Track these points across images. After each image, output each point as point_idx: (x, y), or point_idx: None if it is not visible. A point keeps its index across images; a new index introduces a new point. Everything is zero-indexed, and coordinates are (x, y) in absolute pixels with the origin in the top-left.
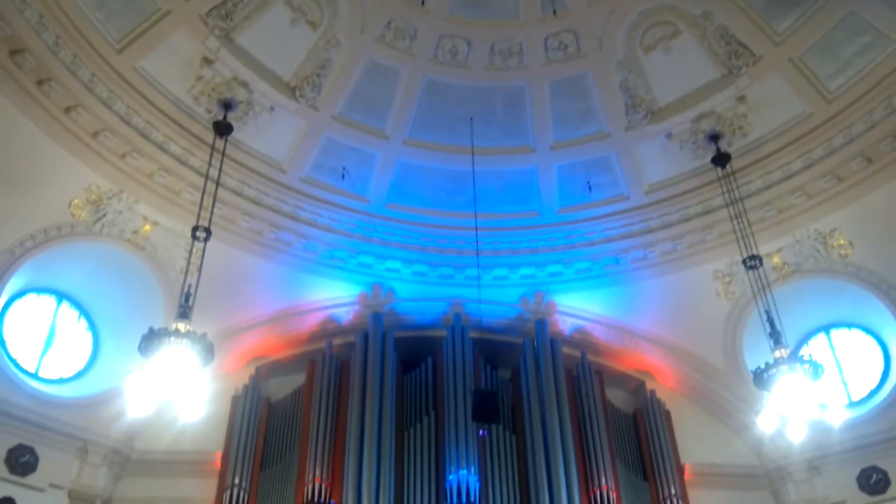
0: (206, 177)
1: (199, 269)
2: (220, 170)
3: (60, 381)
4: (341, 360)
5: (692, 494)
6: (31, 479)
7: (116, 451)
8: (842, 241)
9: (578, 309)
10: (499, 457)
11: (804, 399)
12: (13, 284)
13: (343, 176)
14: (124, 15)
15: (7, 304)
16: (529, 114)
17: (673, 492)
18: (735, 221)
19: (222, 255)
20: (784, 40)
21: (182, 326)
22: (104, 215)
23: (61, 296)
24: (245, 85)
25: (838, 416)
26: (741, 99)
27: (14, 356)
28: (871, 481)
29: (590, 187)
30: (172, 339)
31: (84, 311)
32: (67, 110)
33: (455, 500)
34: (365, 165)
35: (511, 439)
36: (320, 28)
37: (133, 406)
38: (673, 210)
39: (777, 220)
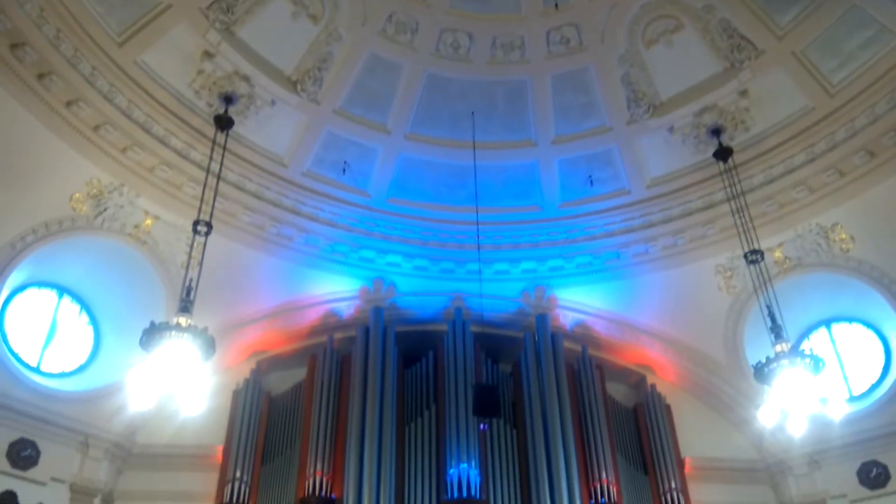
0: (208, 171)
1: (200, 264)
2: (222, 164)
3: (62, 375)
4: (342, 354)
5: (692, 488)
6: (32, 473)
7: (118, 444)
8: (843, 236)
9: (579, 303)
10: (499, 451)
11: (805, 393)
12: (14, 279)
13: (344, 170)
14: (125, 8)
15: (8, 299)
16: (531, 108)
17: (673, 485)
18: (737, 216)
19: (223, 249)
20: (787, 34)
21: (183, 320)
22: (105, 209)
23: (62, 290)
24: (246, 79)
25: (839, 411)
26: (743, 93)
27: (15, 350)
28: (872, 475)
29: (591, 182)
30: (173, 333)
31: (85, 306)
32: (68, 104)
33: (456, 493)
34: (366, 160)
35: (512, 433)
36: (321, 22)
37: (134, 400)
38: (674, 204)
39: (779, 215)
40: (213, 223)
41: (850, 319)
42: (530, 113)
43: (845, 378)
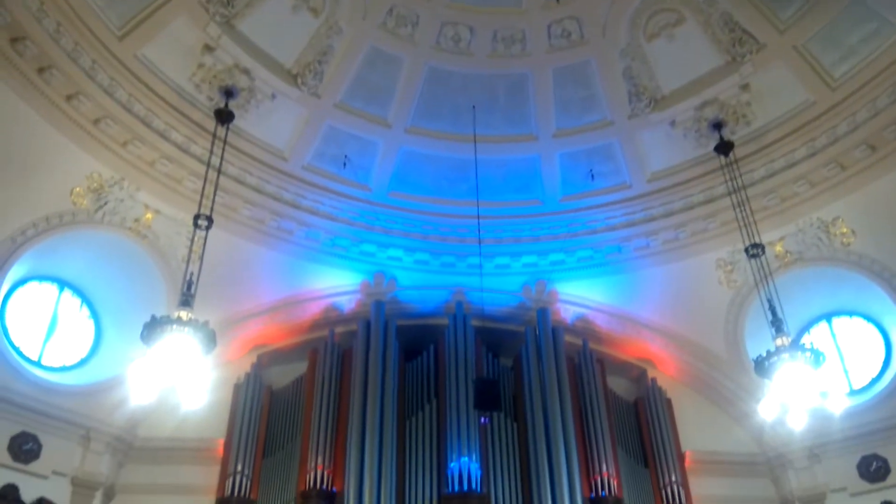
0: (208, 165)
1: (201, 258)
2: (222, 158)
3: (63, 368)
4: (343, 348)
5: (693, 481)
6: (34, 467)
7: (119, 438)
8: (844, 230)
9: (580, 297)
10: (500, 444)
11: (805, 387)
12: (15, 272)
13: (345, 164)
14: (125, 2)
15: (9, 292)
16: (532, 102)
17: (674, 479)
18: (737, 210)
19: (224, 243)
20: (788, 28)
21: (184, 314)
22: (105, 203)
23: (63, 284)
24: (246, 72)
25: (839, 404)
26: (745, 87)
27: (16, 344)
28: (872, 469)
29: (592, 175)
30: (174, 327)
31: (86, 299)
32: (69, 98)
33: (457, 487)
34: (367, 153)
35: (512, 427)
36: (322, 15)
37: (135, 394)
38: (675, 198)
39: (780, 209)
40: (214, 217)
41: (851, 313)
42: (531, 107)
43: (846, 372)
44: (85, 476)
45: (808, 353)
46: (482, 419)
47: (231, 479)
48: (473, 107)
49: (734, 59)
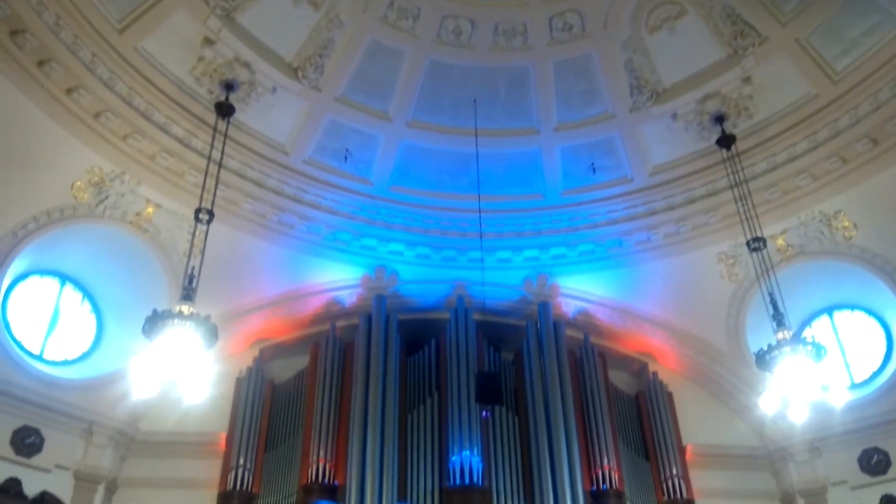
0: (209, 158)
1: (203, 252)
2: (223, 152)
3: (65, 363)
4: (345, 342)
5: (694, 475)
6: (36, 460)
7: (121, 432)
8: (846, 223)
9: (582, 291)
10: (502, 438)
11: (806, 380)
12: (16, 267)
13: (346, 158)
14: None
15: (11, 287)
16: (533, 95)
17: (675, 472)
18: (739, 203)
19: (225, 237)
20: (790, 20)
21: (185, 308)
22: (106, 197)
23: (65, 278)
24: (247, 65)
25: (840, 398)
26: (747, 80)
27: (18, 338)
28: (872, 462)
29: (594, 169)
30: (176, 321)
31: (88, 294)
32: (69, 91)
33: (458, 480)
34: (368, 147)
35: (514, 420)
36: (322, 8)
37: (137, 387)
38: (677, 192)
39: (782, 202)
40: (215, 211)
41: (853, 307)
42: (532, 100)
43: (847, 365)
44: (87, 470)
45: (809, 347)
46: (483, 413)
47: (233, 473)
48: (474, 100)
49: (736, 52)
